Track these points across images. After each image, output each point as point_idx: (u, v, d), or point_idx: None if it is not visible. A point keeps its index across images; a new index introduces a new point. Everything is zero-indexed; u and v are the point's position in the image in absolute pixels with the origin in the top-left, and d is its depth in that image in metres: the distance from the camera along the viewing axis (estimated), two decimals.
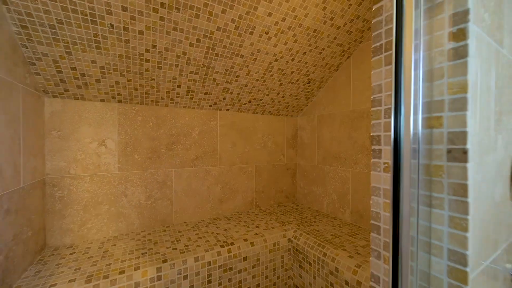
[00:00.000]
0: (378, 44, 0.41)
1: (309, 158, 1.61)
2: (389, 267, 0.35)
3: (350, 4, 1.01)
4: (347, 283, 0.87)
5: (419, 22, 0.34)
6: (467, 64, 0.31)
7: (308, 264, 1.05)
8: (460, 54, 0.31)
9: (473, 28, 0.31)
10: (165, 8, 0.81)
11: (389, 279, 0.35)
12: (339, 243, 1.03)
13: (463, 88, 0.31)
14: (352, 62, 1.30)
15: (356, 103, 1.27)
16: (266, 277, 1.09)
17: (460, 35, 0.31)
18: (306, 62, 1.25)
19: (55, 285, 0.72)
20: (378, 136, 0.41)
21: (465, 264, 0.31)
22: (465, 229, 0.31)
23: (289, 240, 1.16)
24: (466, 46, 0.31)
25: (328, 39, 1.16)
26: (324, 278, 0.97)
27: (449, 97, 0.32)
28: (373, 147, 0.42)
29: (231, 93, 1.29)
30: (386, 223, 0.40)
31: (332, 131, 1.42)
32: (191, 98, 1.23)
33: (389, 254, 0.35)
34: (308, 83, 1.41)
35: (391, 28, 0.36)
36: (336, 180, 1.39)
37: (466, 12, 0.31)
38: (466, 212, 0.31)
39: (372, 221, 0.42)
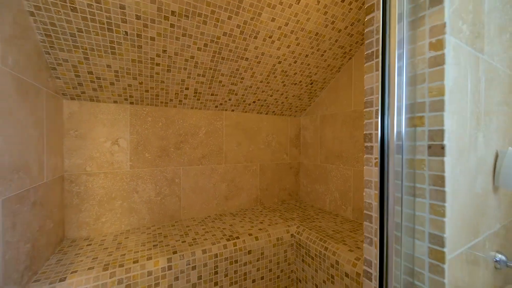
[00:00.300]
0: (370, 51, 0.46)
1: (312, 157, 1.65)
2: (376, 250, 0.40)
3: (351, 9, 1.05)
4: (347, 275, 0.91)
5: (404, 33, 0.38)
6: (444, 71, 0.35)
7: (310, 258, 1.10)
8: (438, 62, 0.36)
9: (450, 39, 0.35)
10: (175, 16, 0.87)
11: (376, 261, 0.40)
12: (340, 238, 1.07)
13: (441, 91, 0.35)
14: (353, 63, 1.34)
15: (357, 103, 1.30)
16: (270, 270, 1.14)
17: (438, 45, 0.36)
18: (308, 64, 1.30)
19: (76, 271, 0.79)
20: (370, 134, 0.46)
21: (442, 245, 0.36)
22: (443, 215, 0.36)
23: (292, 235, 1.21)
24: (443, 55, 0.35)
25: (330, 42, 1.20)
26: (325, 271, 1.01)
27: (429, 99, 0.37)
28: (366, 144, 0.47)
29: (236, 94, 1.34)
30: (377, 212, 0.44)
31: (334, 130, 1.46)
32: (198, 99, 1.29)
33: (372, 237, 0.40)
34: (311, 84, 1.45)
35: (378, 43, 0.40)
36: (338, 178, 1.43)
37: (443, 26, 0.35)
38: (443, 200, 0.36)
39: (365, 211, 0.47)
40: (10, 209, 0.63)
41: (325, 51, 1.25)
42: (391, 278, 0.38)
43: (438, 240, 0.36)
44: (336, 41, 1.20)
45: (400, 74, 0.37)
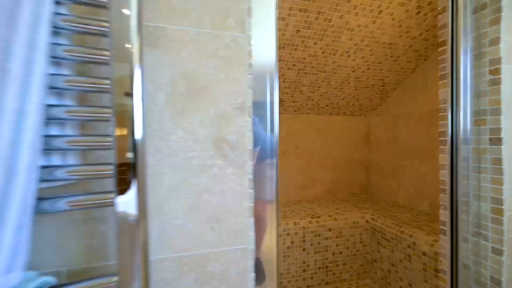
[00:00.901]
0: (443, 72, 0.65)
1: (382, 154, 1.75)
2: (447, 212, 0.60)
3: (426, 18, 1.16)
4: (424, 254, 1.04)
5: (469, 63, 0.57)
6: (500, 89, 0.52)
7: (386, 240, 1.26)
8: (496, 82, 0.53)
9: (505, 67, 0.53)
10: None
11: (447, 219, 0.60)
12: (416, 225, 1.19)
13: (498, 102, 0.53)
14: (429, 64, 1.40)
15: (433, 103, 1.36)
16: (347, 248, 1.35)
17: (495, 72, 0.53)
18: (381, 69, 1.44)
19: None
20: (444, 131, 0.65)
21: (502, 204, 0.53)
22: (502, 184, 0.53)
23: (367, 221, 1.38)
24: (499, 78, 0.53)
25: (404, 48, 1.32)
26: (402, 251, 1.16)
27: (490, 108, 0.55)
28: (440, 138, 0.66)
29: (312, 100, 1.60)
30: (447, 185, 0.63)
31: (408, 128, 1.54)
32: (282, 106, 1.61)
33: (446, 204, 0.60)
34: (383, 86, 1.58)
35: (448, 68, 0.60)
36: (413, 174, 1.50)
37: (499, 59, 0.53)
38: (501, 173, 0.53)
39: (440, 186, 0.66)
40: None
41: (398, 57, 1.37)
42: (460, 228, 0.57)
43: (498, 201, 0.54)
44: (410, 46, 1.31)
45: (465, 91, 0.56)
